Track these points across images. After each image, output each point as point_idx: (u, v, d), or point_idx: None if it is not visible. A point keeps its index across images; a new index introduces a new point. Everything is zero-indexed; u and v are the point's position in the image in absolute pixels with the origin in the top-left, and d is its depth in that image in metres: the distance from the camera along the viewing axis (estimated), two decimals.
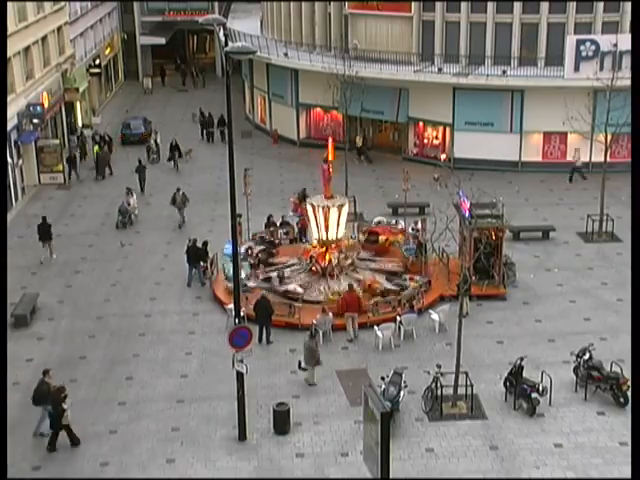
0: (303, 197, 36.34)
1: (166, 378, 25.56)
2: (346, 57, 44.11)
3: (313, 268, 30.79)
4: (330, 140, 32.54)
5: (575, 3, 42.74)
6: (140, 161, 44.19)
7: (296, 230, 34.97)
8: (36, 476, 21.25)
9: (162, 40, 69.00)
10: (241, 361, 21.68)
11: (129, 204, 38.60)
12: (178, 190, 38.00)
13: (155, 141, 48.65)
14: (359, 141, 46.78)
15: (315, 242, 31.39)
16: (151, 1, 69.55)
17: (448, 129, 45.19)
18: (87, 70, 56.71)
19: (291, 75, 49.13)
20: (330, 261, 30.78)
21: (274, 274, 31.00)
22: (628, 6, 41.81)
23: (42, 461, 21.76)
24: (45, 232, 34.80)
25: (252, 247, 33.03)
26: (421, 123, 46.52)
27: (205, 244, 32.45)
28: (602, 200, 35.10)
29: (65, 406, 21.94)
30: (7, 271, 30.91)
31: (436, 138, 46.58)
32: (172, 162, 46.55)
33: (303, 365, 25.10)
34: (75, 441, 22.31)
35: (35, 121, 43.04)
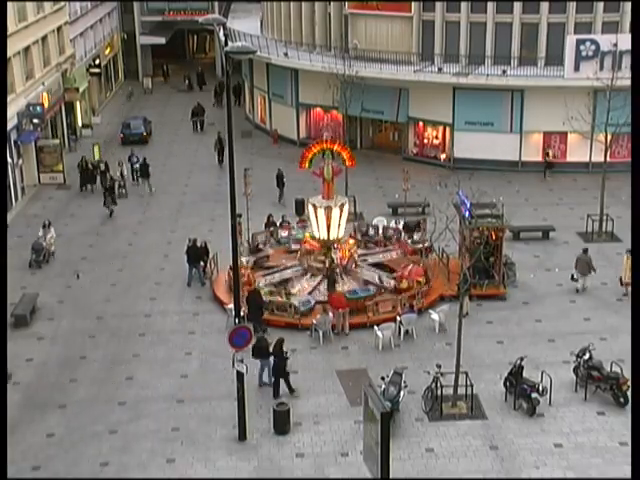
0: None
1: (166, 378, 25.57)
2: (346, 57, 44.12)
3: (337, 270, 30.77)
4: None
5: (575, 3, 42.73)
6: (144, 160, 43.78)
7: (296, 229, 34.94)
8: (36, 476, 21.28)
9: (162, 40, 69.01)
10: (241, 361, 21.70)
11: (45, 240, 34.37)
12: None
13: (121, 173, 42.20)
14: (552, 155, 43.03)
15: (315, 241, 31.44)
16: (151, 1, 69.51)
17: (448, 129, 45.19)
18: (87, 70, 56.72)
19: (291, 75, 49.13)
20: (350, 256, 30.84)
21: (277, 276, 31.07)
22: (628, 6, 41.80)
23: (42, 461, 21.78)
24: (145, 170, 43.14)
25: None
26: (421, 123, 46.51)
27: (205, 244, 32.45)
28: (602, 200, 35.11)
29: (287, 355, 24.46)
30: (7, 271, 30.89)
31: (436, 138, 46.58)
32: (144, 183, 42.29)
33: (576, 276, 30.35)
34: (292, 390, 24.23)
35: (35, 121, 43.04)
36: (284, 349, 24.55)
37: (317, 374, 25.63)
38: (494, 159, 43.51)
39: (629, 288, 29.18)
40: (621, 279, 30.23)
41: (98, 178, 42.55)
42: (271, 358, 24.56)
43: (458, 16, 44.32)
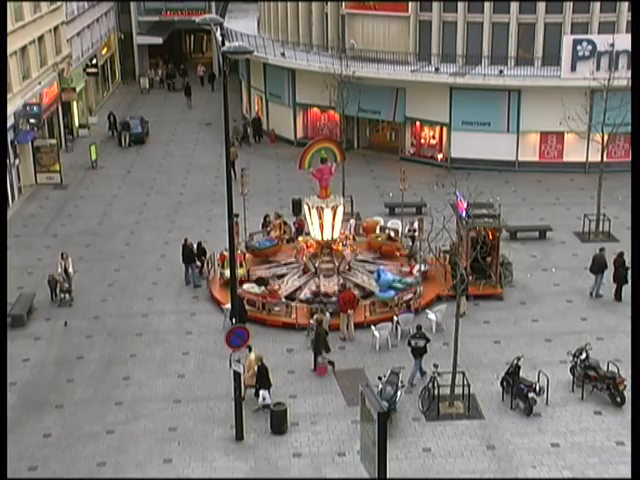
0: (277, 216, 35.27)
1: (163, 378, 25.56)
2: (343, 57, 44.10)
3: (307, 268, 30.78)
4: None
5: (572, 3, 42.73)
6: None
7: (293, 230, 34.93)
8: (33, 476, 21.25)
9: (159, 40, 68.87)
10: (238, 361, 21.71)
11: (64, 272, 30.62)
12: None
13: (65, 270, 31.21)
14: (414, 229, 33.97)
15: (310, 240, 31.43)
16: (148, 1, 69.40)
17: (445, 129, 45.20)
18: (84, 70, 56.66)
19: (288, 75, 49.11)
20: (343, 258, 30.84)
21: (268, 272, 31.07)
22: (624, 6, 41.90)
23: (39, 461, 21.76)
24: (188, 90, 57.76)
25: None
26: (418, 123, 46.52)
27: (200, 244, 32.42)
28: (599, 200, 35.12)
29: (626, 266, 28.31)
30: (7, 271, 30.83)
31: (433, 138, 46.60)
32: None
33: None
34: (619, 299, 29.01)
35: (32, 121, 42.99)
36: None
37: (314, 374, 25.61)
38: (491, 159, 43.53)
39: (252, 390, 23.88)
40: (247, 384, 23.83)
41: None
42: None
43: (455, 16, 44.33)
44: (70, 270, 31.18)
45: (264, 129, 51.54)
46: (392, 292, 29.20)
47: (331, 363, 25.69)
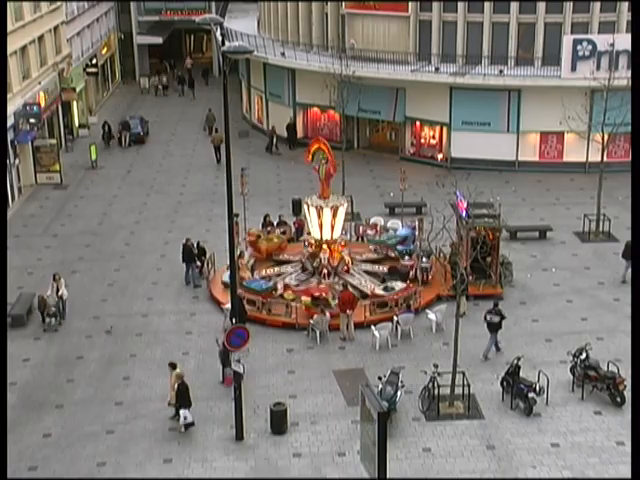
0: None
1: (163, 378, 25.48)
2: (343, 57, 44.09)
3: (324, 270, 30.63)
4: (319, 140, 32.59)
5: (572, 3, 42.71)
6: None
7: (293, 230, 34.94)
8: (33, 476, 21.25)
9: (159, 40, 68.88)
10: (238, 361, 21.72)
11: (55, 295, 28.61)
12: None
13: (56, 291, 28.95)
14: None
15: (313, 241, 31.39)
16: (148, 1, 69.40)
17: (445, 129, 45.21)
18: (84, 70, 56.65)
19: (288, 75, 49.12)
20: (342, 259, 30.78)
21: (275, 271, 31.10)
22: (625, 6, 41.89)
23: (38, 461, 21.76)
24: (191, 83, 60.23)
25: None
26: (418, 123, 46.52)
27: (199, 244, 32.40)
28: (599, 200, 35.12)
29: None
30: (7, 271, 30.82)
31: (433, 138, 46.60)
32: None
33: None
34: None
35: (32, 121, 42.98)
36: None
37: (314, 374, 25.63)
38: (491, 159, 43.53)
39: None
40: (169, 402, 23.35)
41: None
42: None
43: (455, 16, 44.32)
44: (62, 291, 28.91)
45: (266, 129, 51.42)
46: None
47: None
